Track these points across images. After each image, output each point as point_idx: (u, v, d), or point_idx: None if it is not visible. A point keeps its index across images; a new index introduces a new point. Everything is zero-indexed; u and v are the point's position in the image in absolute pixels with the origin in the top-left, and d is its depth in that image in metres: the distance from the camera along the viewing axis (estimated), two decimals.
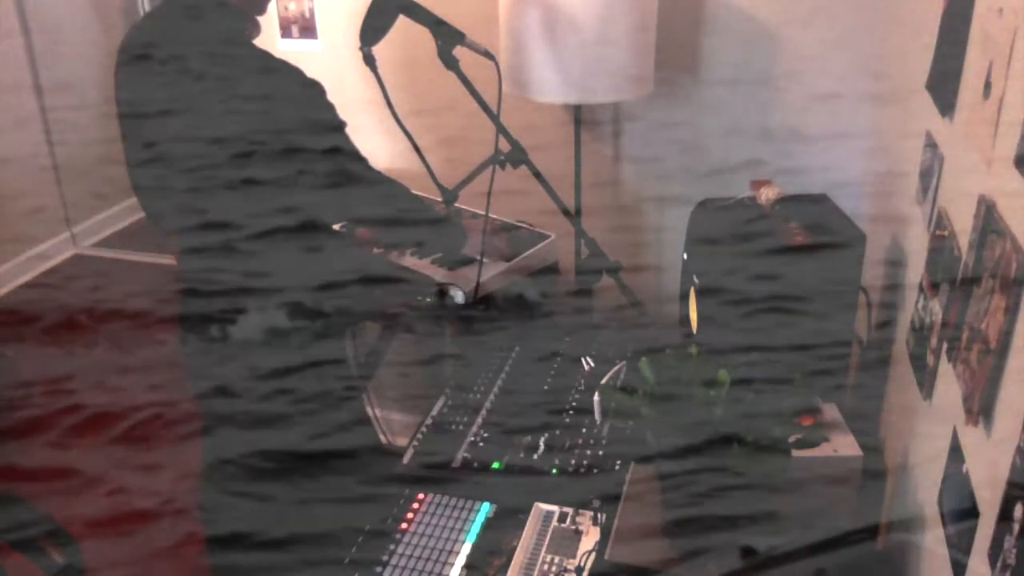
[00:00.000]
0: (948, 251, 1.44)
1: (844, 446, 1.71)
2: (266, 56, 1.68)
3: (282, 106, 1.65)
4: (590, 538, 1.41)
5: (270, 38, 2.83)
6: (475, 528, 1.45)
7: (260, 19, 1.76)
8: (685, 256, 2.12)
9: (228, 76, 1.64)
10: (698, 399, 1.39)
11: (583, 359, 1.89)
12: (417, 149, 2.02)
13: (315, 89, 1.69)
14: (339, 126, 1.73)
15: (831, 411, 1.80)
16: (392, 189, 1.85)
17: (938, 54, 1.66)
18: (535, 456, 1.62)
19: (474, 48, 1.95)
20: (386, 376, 2.25)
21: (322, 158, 1.70)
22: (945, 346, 1.40)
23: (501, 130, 2.00)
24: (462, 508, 1.50)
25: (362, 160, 1.76)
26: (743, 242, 1.89)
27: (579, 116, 2.39)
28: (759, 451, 1.35)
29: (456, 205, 2.22)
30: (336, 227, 2.01)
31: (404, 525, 1.47)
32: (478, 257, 2.03)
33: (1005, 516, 1.03)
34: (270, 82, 1.66)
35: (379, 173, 1.79)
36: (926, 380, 1.51)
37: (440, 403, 1.81)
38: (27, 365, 2.98)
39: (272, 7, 2.79)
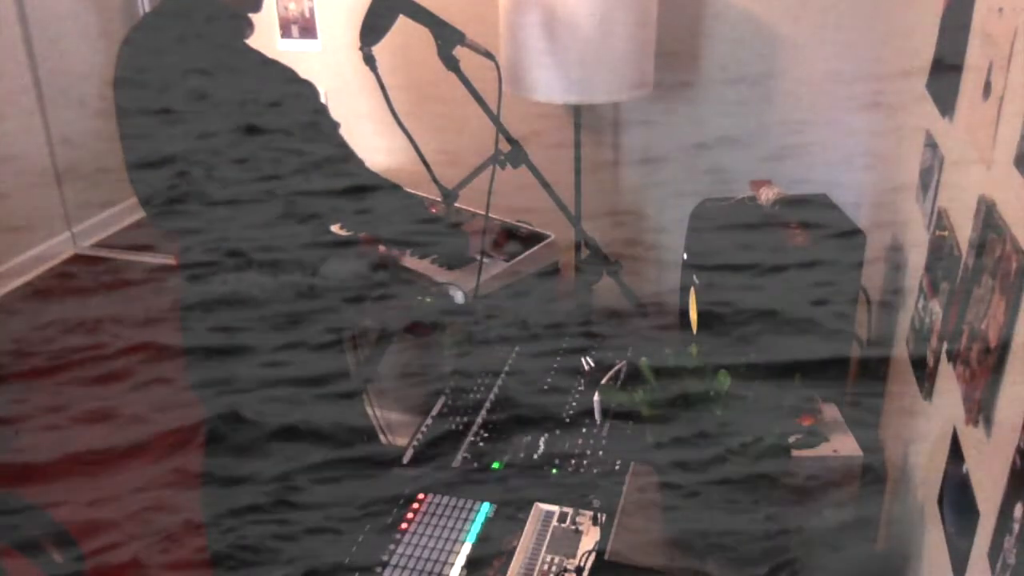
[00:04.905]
0: (948, 251, 1.44)
1: (844, 446, 1.71)
2: (259, 56, 1.68)
3: (274, 106, 1.65)
4: (590, 538, 1.41)
5: (270, 38, 2.84)
6: (475, 528, 1.45)
7: (259, 20, 1.76)
8: (685, 256, 2.12)
9: (222, 76, 1.64)
10: (698, 399, 1.39)
11: (583, 359, 1.89)
12: (417, 149, 2.02)
13: (308, 89, 1.69)
14: (332, 126, 1.73)
15: (831, 411, 1.80)
16: (388, 190, 1.85)
17: (938, 54, 1.66)
18: (535, 456, 1.62)
19: (474, 48, 1.94)
20: (386, 376, 2.25)
21: (315, 158, 1.70)
22: (945, 346, 1.40)
23: (501, 130, 2.00)
24: (462, 508, 1.50)
25: (357, 161, 1.75)
26: (743, 242, 1.89)
27: (579, 116, 2.39)
28: (759, 451, 1.35)
29: (456, 205, 2.22)
30: (335, 228, 2.01)
31: (404, 525, 1.47)
32: (478, 257, 2.03)
33: (1005, 516, 1.03)
34: (263, 82, 1.67)
35: (375, 174, 1.79)
36: (926, 380, 1.51)
37: (440, 403, 1.81)
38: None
39: (272, 7, 2.79)
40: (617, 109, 2.65)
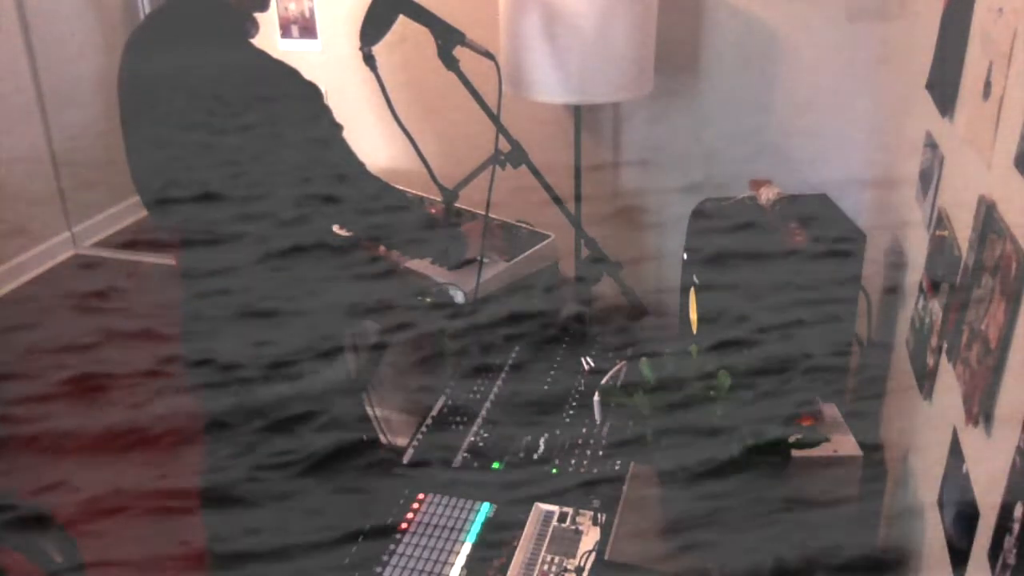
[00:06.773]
0: (948, 251, 1.44)
1: (844, 446, 1.71)
2: (264, 56, 1.67)
3: (278, 107, 1.65)
4: (590, 538, 1.41)
5: (270, 38, 2.83)
6: (475, 528, 1.45)
7: (261, 20, 1.76)
8: (685, 256, 2.12)
9: (226, 76, 1.64)
10: (698, 399, 1.39)
11: (583, 359, 1.89)
12: (417, 149, 2.02)
13: (312, 91, 1.69)
14: (336, 129, 1.73)
15: (831, 411, 1.80)
16: (388, 193, 1.85)
17: (938, 54, 1.66)
18: (535, 456, 1.62)
19: (474, 48, 1.94)
20: (386, 376, 2.25)
21: (318, 161, 1.69)
22: (945, 346, 1.40)
23: (501, 130, 2.00)
24: (462, 508, 1.50)
25: (359, 164, 1.75)
26: (743, 242, 1.89)
27: (579, 116, 2.39)
28: (759, 451, 1.35)
29: (456, 205, 2.22)
30: (336, 229, 2.01)
31: (404, 525, 1.47)
32: (478, 257, 2.03)
33: (1005, 516, 1.03)
34: (267, 82, 1.66)
35: (376, 177, 1.79)
36: (926, 380, 1.51)
37: (440, 403, 1.81)
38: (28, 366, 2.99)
39: (272, 7, 2.79)
40: (617, 109, 2.65)
